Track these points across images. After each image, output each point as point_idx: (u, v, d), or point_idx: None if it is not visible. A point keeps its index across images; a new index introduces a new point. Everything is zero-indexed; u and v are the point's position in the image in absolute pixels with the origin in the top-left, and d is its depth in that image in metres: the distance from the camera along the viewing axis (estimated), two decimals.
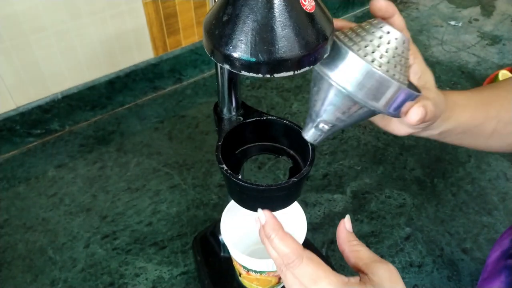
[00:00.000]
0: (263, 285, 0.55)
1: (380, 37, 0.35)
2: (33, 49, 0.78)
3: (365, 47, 0.34)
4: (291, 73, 0.33)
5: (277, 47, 0.32)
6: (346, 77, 0.34)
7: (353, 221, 0.73)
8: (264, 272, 0.52)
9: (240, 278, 0.58)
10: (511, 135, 0.47)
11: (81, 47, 0.83)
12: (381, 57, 0.34)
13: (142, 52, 0.91)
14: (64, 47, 0.81)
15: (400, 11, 1.25)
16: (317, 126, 0.39)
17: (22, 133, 0.84)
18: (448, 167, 0.82)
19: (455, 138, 0.46)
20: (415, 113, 0.35)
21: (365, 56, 0.34)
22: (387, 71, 0.34)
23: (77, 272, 0.67)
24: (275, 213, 0.44)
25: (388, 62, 0.34)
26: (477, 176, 0.81)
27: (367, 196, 0.77)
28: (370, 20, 0.37)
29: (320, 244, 0.70)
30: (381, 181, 0.80)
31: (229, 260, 0.59)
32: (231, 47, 0.32)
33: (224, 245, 0.62)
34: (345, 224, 0.40)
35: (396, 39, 0.35)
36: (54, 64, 0.82)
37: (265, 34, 0.32)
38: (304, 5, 0.32)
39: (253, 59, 0.32)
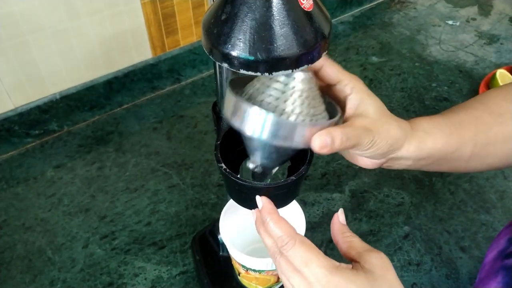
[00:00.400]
0: (262, 284, 0.55)
1: (274, 79, 0.36)
2: (31, 49, 0.78)
3: (260, 92, 0.36)
4: (289, 71, 0.33)
5: (275, 45, 0.32)
6: (245, 123, 0.35)
7: (352, 220, 0.74)
8: (263, 271, 0.52)
9: (239, 277, 0.58)
10: (490, 156, 0.45)
11: (80, 47, 0.83)
12: (274, 99, 0.36)
13: (141, 52, 0.91)
14: (62, 47, 0.81)
15: (398, 10, 1.26)
16: (253, 167, 0.41)
17: (20, 133, 0.84)
18: None
19: (433, 166, 0.45)
20: (316, 141, 0.35)
21: (254, 100, 0.36)
22: (277, 107, 0.36)
23: (76, 272, 0.67)
24: None
25: (278, 100, 0.36)
26: (475, 174, 0.81)
27: (365, 195, 0.78)
28: None
29: (319, 243, 0.70)
30: (380, 180, 0.80)
31: (228, 259, 0.59)
32: (229, 46, 0.33)
33: (223, 245, 0.62)
34: (339, 217, 0.41)
35: (293, 78, 0.36)
36: (52, 64, 0.82)
37: (263, 33, 0.32)
38: (302, 3, 0.32)
39: (252, 58, 0.32)
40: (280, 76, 0.36)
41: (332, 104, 0.40)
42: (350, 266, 0.37)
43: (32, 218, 0.75)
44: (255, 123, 0.35)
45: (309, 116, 0.36)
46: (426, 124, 0.43)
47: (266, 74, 0.33)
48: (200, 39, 0.99)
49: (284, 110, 0.36)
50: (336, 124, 0.37)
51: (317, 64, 0.39)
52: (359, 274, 0.35)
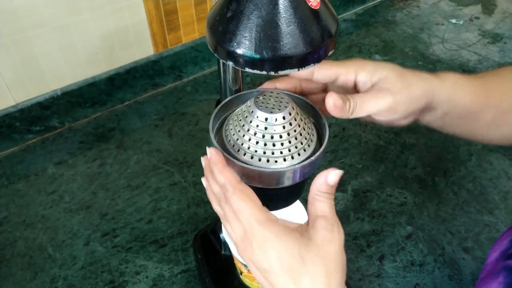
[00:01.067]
0: None
1: (251, 122, 0.37)
2: (33, 45, 0.77)
3: (237, 139, 0.38)
4: (295, 70, 0.33)
5: (281, 43, 0.32)
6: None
7: (354, 219, 0.73)
8: None
9: (241, 277, 0.58)
10: (506, 125, 0.46)
11: (81, 43, 0.82)
12: (248, 147, 0.37)
13: (142, 48, 0.91)
14: (64, 43, 0.80)
15: (401, 8, 1.25)
16: None
17: (21, 129, 0.84)
18: (450, 165, 0.82)
19: (454, 124, 0.45)
20: (330, 103, 0.36)
21: (237, 151, 0.38)
22: (255, 159, 0.37)
23: (77, 270, 0.67)
24: (277, 212, 0.45)
25: (257, 143, 0.37)
26: (479, 175, 0.80)
27: (368, 194, 0.77)
28: (248, 102, 0.38)
29: None
30: (382, 180, 0.80)
31: (230, 258, 0.59)
32: (235, 44, 0.32)
33: (225, 243, 0.61)
34: (327, 175, 0.37)
35: (265, 119, 0.37)
36: (53, 60, 0.81)
37: (269, 31, 0.31)
38: (310, 1, 0.32)
39: (257, 56, 0.32)
40: (257, 119, 0.37)
41: (323, 124, 0.41)
42: (292, 224, 0.36)
43: (33, 214, 0.74)
44: (239, 173, 0.37)
45: (294, 153, 0.38)
46: (455, 78, 0.43)
47: (272, 72, 0.33)
48: (202, 36, 0.99)
49: (265, 154, 0.37)
50: (321, 154, 0.39)
51: (306, 72, 0.39)
52: (293, 235, 0.34)
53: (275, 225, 0.34)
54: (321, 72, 0.39)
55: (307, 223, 0.36)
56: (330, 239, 0.34)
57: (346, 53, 1.09)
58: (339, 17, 1.22)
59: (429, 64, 1.06)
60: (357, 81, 0.40)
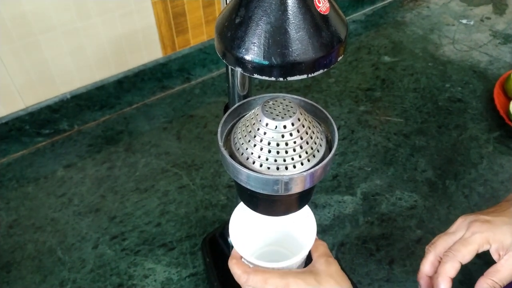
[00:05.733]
0: None
1: (258, 129, 0.37)
2: (42, 49, 0.78)
3: (246, 148, 0.38)
4: (304, 76, 0.33)
5: (290, 50, 0.31)
6: (237, 176, 0.39)
7: (363, 223, 0.73)
8: None
9: None
10: None
11: (90, 46, 0.83)
12: (258, 156, 0.37)
13: (151, 51, 0.91)
14: (73, 47, 0.81)
15: (411, 9, 1.24)
16: None
17: (31, 133, 0.84)
18: (460, 168, 0.81)
19: None
20: None
21: (247, 159, 0.38)
22: (264, 166, 0.37)
23: (86, 273, 0.67)
24: (286, 217, 0.45)
25: (265, 151, 0.37)
26: (490, 177, 0.79)
27: (377, 197, 0.77)
28: (256, 109, 0.39)
29: (330, 246, 0.69)
30: (392, 183, 0.79)
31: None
32: (243, 50, 0.32)
33: (233, 247, 0.61)
34: None
35: (273, 127, 0.37)
36: (63, 64, 0.82)
37: (278, 37, 0.31)
38: (319, 6, 0.32)
39: (266, 62, 0.32)
40: (265, 126, 0.36)
41: (332, 128, 0.41)
42: (302, 269, 0.46)
43: (43, 217, 0.75)
44: (247, 181, 0.38)
45: (303, 159, 0.37)
46: None
47: (281, 78, 0.33)
48: (210, 38, 0.99)
49: (274, 162, 0.37)
50: (330, 160, 0.38)
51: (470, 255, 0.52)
52: (305, 272, 0.45)
53: (292, 272, 0.45)
54: (469, 255, 0.52)
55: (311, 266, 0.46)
56: (329, 263, 0.46)
57: (355, 55, 1.09)
58: (348, 18, 1.21)
59: (440, 65, 1.05)
60: (491, 251, 0.52)
